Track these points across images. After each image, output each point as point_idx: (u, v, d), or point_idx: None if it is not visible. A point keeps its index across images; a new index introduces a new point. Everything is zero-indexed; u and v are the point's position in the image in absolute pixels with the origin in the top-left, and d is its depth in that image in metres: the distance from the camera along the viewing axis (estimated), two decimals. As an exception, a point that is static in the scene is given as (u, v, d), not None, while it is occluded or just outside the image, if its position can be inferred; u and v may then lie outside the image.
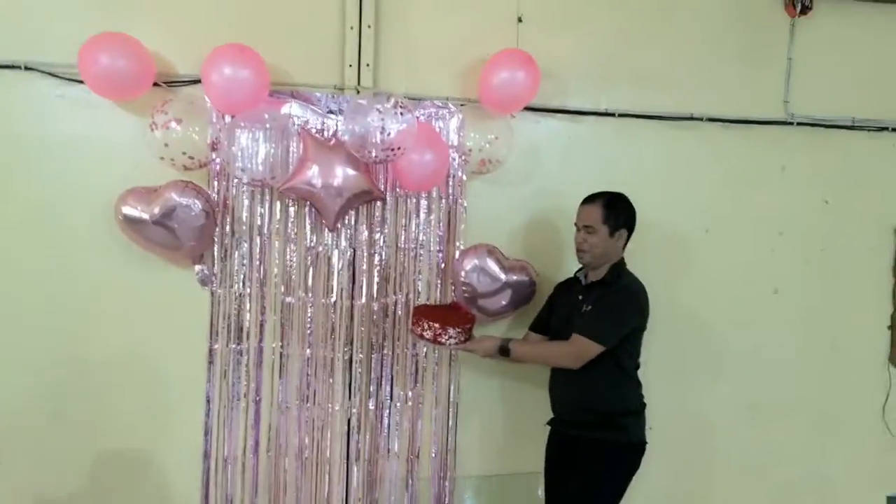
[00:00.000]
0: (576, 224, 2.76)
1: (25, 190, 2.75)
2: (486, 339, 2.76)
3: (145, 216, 2.63)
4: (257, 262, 2.90)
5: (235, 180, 2.82)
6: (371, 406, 3.04)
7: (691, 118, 3.26)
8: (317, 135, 2.85)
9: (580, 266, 2.85)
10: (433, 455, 3.13)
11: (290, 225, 2.91)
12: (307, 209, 2.90)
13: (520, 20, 3.08)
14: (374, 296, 3.00)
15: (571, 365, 2.65)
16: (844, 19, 3.40)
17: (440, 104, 2.99)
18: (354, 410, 3.02)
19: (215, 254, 2.86)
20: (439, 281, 3.08)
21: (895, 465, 3.63)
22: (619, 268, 2.74)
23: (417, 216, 3.03)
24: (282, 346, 2.95)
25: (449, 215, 3.05)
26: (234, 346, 2.91)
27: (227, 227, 2.86)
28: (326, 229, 2.91)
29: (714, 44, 3.30)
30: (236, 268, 2.89)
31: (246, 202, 2.87)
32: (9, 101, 2.71)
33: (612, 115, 3.18)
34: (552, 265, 3.14)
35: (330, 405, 3.00)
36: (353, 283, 2.99)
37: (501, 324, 3.16)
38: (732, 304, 3.42)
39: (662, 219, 3.23)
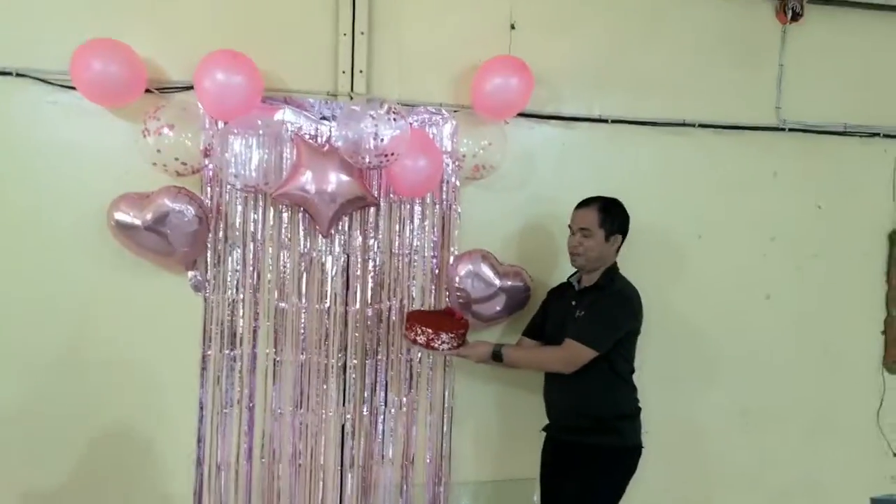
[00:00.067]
0: (570, 227, 2.76)
1: (17, 196, 2.74)
2: (480, 345, 2.75)
3: (138, 222, 2.62)
4: (251, 268, 2.90)
5: (228, 186, 2.81)
6: (365, 412, 3.04)
7: (684, 124, 3.27)
8: (310, 141, 2.85)
9: (573, 271, 2.86)
10: (428, 461, 3.12)
11: (283, 231, 2.91)
12: (301, 215, 2.90)
13: (513, 27, 3.09)
14: (368, 301, 3.00)
15: (564, 370, 2.65)
16: (835, 26, 3.43)
17: (433, 110, 3.00)
18: (348, 416, 3.01)
19: (208, 260, 2.86)
20: (433, 286, 3.07)
21: (890, 471, 3.64)
22: (613, 272, 2.75)
23: (411, 222, 3.02)
24: (275, 352, 2.94)
25: (443, 221, 3.05)
26: (227, 351, 2.90)
27: (221, 233, 2.85)
28: (320, 235, 2.91)
29: (706, 50, 3.32)
30: (229, 274, 2.88)
31: (239, 208, 2.86)
32: (1, 108, 2.70)
33: (606, 121, 3.20)
34: (546, 271, 3.15)
35: (324, 411, 2.99)
36: (347, 288, 2.98)
37: (496, 329, 3.15)
38: (725, 309, 3.43)
39: (656, 224, 3.24)
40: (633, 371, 2.79)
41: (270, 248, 2.91)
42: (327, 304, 2.96)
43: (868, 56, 3.48)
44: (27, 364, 2.79)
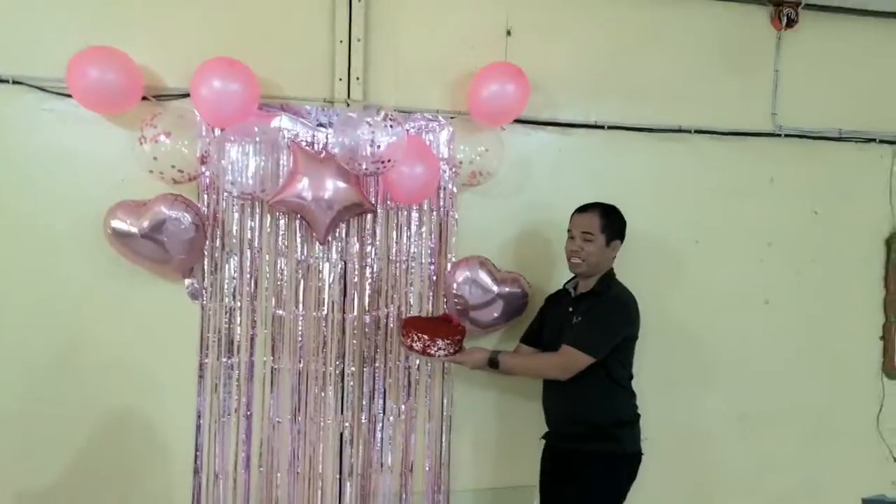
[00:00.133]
0: (570, 232, 2.76)
1: (14, 204, 2.73)
2: (476, 351, 2.75)
3: (134, 230, 2.61)
4: (248, 276, 2.89)
5: (225, 193, 2.81)
6: (364, 420, 3.02)
7: (680, 130, 3.27)
8: (307, 148, 2.85)
9: (570, 278, 2.86)
10: (427, 469, 3.10)
11: (280, 238, 2.90)
12: (298, 222, 2.90)
13: (509, 33, 3.10)
14: (366, 308, 2.99)
15: (560, 376, 2.64)
16: (830, 32, 3.44)
17: (430, 117, 3.00)
18: (347, 424, 3.00)
19: (205, 267, 2.85)
20: (431, 293, 3.07)
21: (890, 476, 3.63)
22: (609, 278, 2.75)
23: (408, 228, 3.02)
24: (273, 360, 2.93)
25: (440, 227, 3.05)
26: (224, 359, 2.89)
27: (217, 241, 2.85)
28: (317, 242, 2.91)
29: (702, 56, 3.33)
30: (227, 281, 2.88)
31: (236, 215, 2.86)
32: (-3, 116, 2.71)
33: (602, 127, 3.20)
34: (543, 277, 3.14)
35: (322, 419, 2.98)
36: (345, 295, 2.98)
37: (494, 336, 3.15)
38: (723, 314, 3.43)
39: (652, 230, 3.24)
40: (631, 377, 2.78)
41: (267, 256, 2.90)
42: (325, 312, 2.95)
43: (863, 62, 3.50)
44: (24, 371, 2.77)
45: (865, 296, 3.59)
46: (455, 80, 3.04)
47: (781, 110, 3.39)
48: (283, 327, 2.93)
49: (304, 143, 2.86)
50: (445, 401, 3.10)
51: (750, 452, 3.49)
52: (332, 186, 2.73)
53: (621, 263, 2.81)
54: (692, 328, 3.39)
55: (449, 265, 3.03)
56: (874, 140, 3.50)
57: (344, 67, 2.92)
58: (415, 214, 3.02)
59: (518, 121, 3.05)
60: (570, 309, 2.76)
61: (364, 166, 2.59)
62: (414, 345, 2.70)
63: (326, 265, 2.95)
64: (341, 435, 3.01)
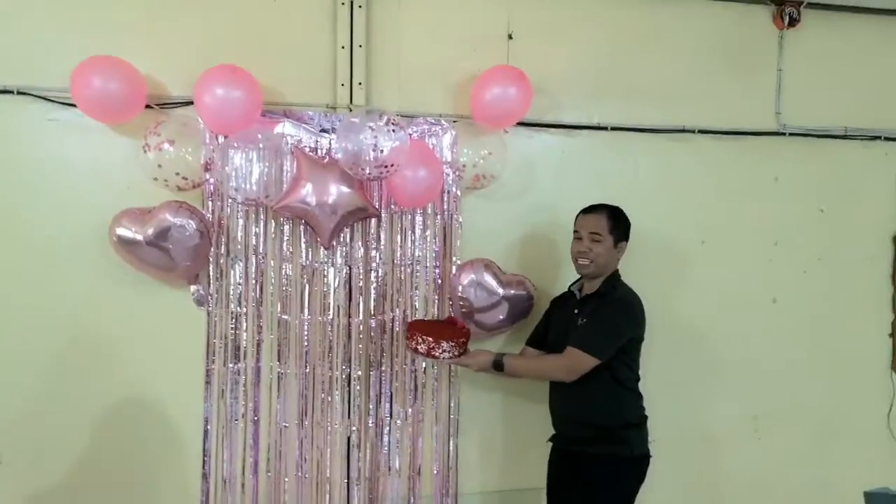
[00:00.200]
0: (577, 232, 2.75)
1: (20, 212, 2.75)
2: (481, 353, 2.75)
3: (139, 237, 2.63)
4: (253, 282, 2.90)
5: (229, 200, 2.82)
6: (371, 424, 3.03)
7: (683, 130, 3.27)
8: (310, 153, 2.86)
9: (575, 279, 2.86)
10: (435, 472, 3.10)
11: (285, 243, 2.91)
12: (302, 227, 2.91)
13: (510, 36, 3.10)
14: (372, 312, 3.00)
15: (565, 378, 2.64)
16: (832, 31, 3.43)
17: (433, 121, 3.01)
18: (354, 428, 3.01)
19: (211, 274, 2.86)
20: (436, 296, 3.07)
21: (901, 473, 3.61)
22: (614, 280, 2.74)
23: (413, 232, 3.02)
24: (279, 365, 2.94)
25: (444, 231, 3.05)
26: (231, 365, 2.90)
27: (222, 247, 2.86)
28: (322, 247, 2.92)
29: (704, 56, 3.32)
30: (232, 287, 2.89)
31: (240, 221, 2.87)
32: (2, 126, 2.72)
33: (605, 128, 3.20)
34: (548, 279, 3.14)
35: (329, 423, 2.98)
36: (350, 300, 2.98)
37: (499, 339, 3.15)
38: (731, 314, 3.42)
39: (658, 231, 3.23)
40: (638, 379, 2.77)
41: (272, 261, 2.91)
42: (330, 316, 2.96)
43: (867, 59, 3.49)
44: (32, 377, 2.79)
45: (873, 293, 3.58)
46: (457, 84, 3.04)
47: (785, 109, 3.38)
48: (288, 332, 2.94)
49: (307, 149, 2.87)
50: (452, 404, 3.10)
51: (760, 452, 3.47)
52: (336, 191, 2.74)
53: (627, 264, 2.80)
54: (699, 328, 3.38)
55: (454, 268, 3.03)
56: (879, 137, 3.49)
57: (346, 73, 2.93)
58: (419, 218, 3.02)
59: (521, 123, 3.05)
60: (576, 311, 2.75)
61: (367, 171, 2.60)
62: (419, 347, 2.70)
63: (331, 270, 2.95)
64: (348, 439, 3.01)
